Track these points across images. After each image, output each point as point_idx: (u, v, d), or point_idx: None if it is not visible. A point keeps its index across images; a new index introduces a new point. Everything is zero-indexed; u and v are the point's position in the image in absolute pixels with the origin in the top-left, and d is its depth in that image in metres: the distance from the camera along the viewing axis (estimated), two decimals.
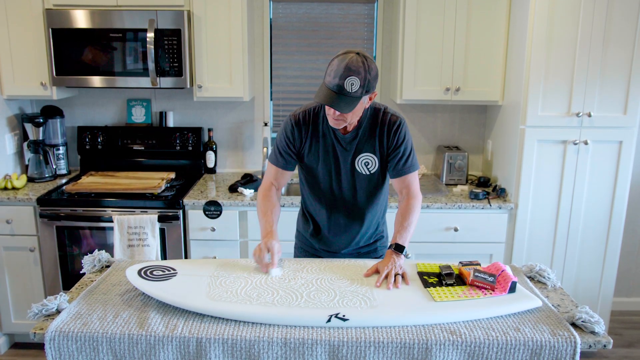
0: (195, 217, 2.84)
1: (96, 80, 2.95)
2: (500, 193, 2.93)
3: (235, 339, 1.43)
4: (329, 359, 1.43)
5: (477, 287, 1.66)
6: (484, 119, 3.38)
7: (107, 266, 1.91)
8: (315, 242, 2.07)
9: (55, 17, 2.86)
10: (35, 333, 1.47)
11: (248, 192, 2.90)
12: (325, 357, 1.43)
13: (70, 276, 2.90)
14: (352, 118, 1.77)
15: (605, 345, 1.47)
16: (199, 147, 3.32)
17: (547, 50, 2.66)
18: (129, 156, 3.33)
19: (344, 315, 1.49)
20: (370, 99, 1.77)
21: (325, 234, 2.03)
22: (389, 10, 3.26)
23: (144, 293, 1.65)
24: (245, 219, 2.85)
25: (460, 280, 1.71)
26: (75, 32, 2.87)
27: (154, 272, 1.72)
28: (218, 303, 1.54)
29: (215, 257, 2.83)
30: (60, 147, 3.26)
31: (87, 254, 1.94)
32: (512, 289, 1.63)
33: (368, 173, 1.90)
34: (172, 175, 3.20)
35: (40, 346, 2.57)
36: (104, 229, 2.85)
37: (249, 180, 3.10)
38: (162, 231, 2.83)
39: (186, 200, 2.82)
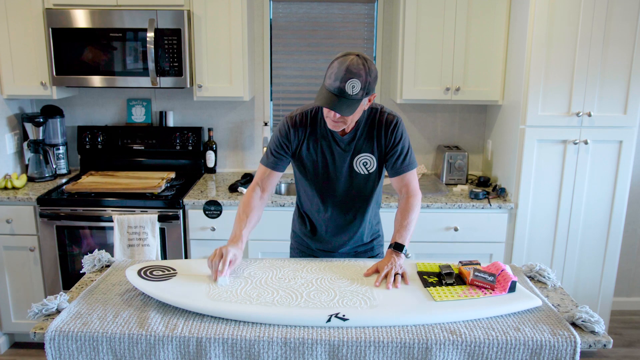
0: (196, 217, 2.84)
1: (96, 80, 2.95)
2: (500, 193, 2.93)
3: (235, 339, 1.43)
4: (329, 359, 1.43)
5: (477, 286, 1.66)
6: (484, 119, 3.38)
7: (107, 266, 1.91)
8: (311, 242, 2.07)
9: (55, 16, 2.86)
10: (35, 333, 1.47)
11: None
12: (325, 356, 1.43)
13: (70, 276, 2.90)
14: (352, 120, 1.77)
15: (605, 345, 1.47)
16: (199, 147, 3.32)
17: (547, 50, 2.66)
18: (129, 156, 3.33)
19: (343, 315, 1.49)
20: (369, 100, 1.77)
21: (322, 234, 2.03)
22: (389, 10, 3.26)
23: (143, 293, 1.65)
24: None
25: (460, 279, 1.71)
26: (75, 31, 2.87)
27: (154, 272, 1.72)
28: (218, 303, 1.54)
29: None
30: (60, 147, 3.26)
31: (87, 254, 1.95)
32: (512, 288, 1.64)
33: (366, 173, 1.91)
34: (172, 175, 3.20)
35: (40, 346, 2.57)
36: (104, 228, 2.85)
37: (249, 180, 3.10)
38: (162, 231, 2.83)
39: (186, 200, 2.82)
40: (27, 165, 3.18)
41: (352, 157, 1.88)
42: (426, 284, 1.69)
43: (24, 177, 3.04)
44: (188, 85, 2.96)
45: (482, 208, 2.82)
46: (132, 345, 1.44)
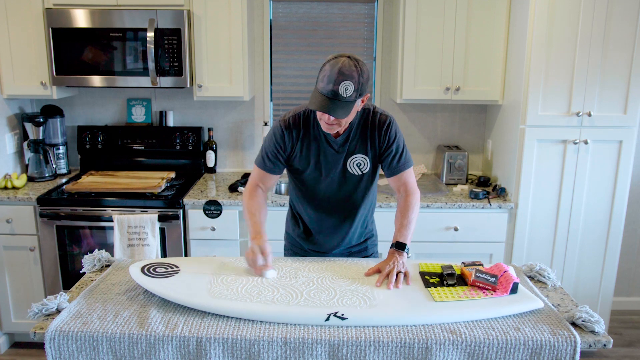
0: (196, 217, 2.84)
1: (96, 80, 2.95)
2: (500, 192, 2.93)
3: (235, 339, 1.43)
4: (329, 359, 1.43)
5: (479, 287, 1.65)
6: (484, 119, 3.38)
7: (107, 266, 1.91)
8: (305, 243, 2.07)
9: (55, 16, 2.86)
10: (35, 332, 1.47)
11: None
12: (325, 356, 1.43)
13: (70, 276, 2.90)
14: (346, 122, 1.76)
15: (605, 345, 1.47)
16: (199, 147, 3.32)
17: (547, 50, 2.66)
18: (129, 156, 3.33)
19: (342, 314, 1.49)
20: (362, 101, 1.76)
21: (315, 235, 2.03)
22: (389, 10, 3.26)
23: (144, 293, 1.65)
24: None
25: (461, 280, 1.71)
26: (75, 31, 2.87)
27: (157, 269, 1.72)
28: (219, 300, 1.55)
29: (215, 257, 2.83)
30: (60, 147, 3.26)
31: (87, 254, 1.95)
32: (514, 290, 1.63)
33: (360, 173, 1.90)
34: (172, 174, 3.20)
35: (40, 346, 2.56)
36: (104, 228, 2.85)
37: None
38: (162, 231, 2.83)
39: (186, 200, 2.82)
40: (27, 165, 3.18)
41: (345, 158, 1.88)
42: (427, 285, 1.69)
43: (24, 177, 3.04)
44: (188, 85, 2.96)
45: (482, 208, 2.82)
46: (132, 345, 1.44)
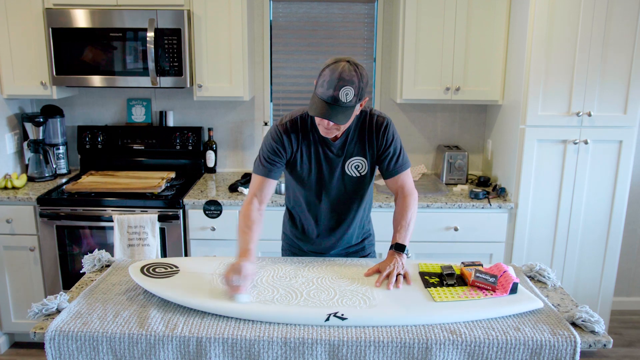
0: (196, 217, 2.84)
1: (96, 80, 2.95)
2: (500, 192, 2.93)
3: (235, 339, 1.43)
4: (329, 359, 1.43)
5: (478, 287, 1.65)
6: (484, 119, 3.38)
7: (107, 266, 1.91)
8: (302, 243, 2.07)
9: (55, 16, 2.85)
10: (35, 332, 1.47)
11: (248, 191, 2.90)
12: (325, 356, 1.43)
13: (70, 276, 2.90)
14: (344, 126, 1.75)
15: (605, 345, 1.47)
16: (199, 147, 3.32)
17: (547, 50, 2.66)
18: (129, 156, 3.33)
19: (342, 315, 1.50)
20: (361, 105, 1.76)
21: (313, 236, 2.03)
22: (389, 10, 3.26)
23: (144, 293, 1.65)
24: None
25: (461, 280, 1.71)
26: (75, 31, 2.87)
27: (157, 270, 1.72)
28: (218, 301, 1.55)
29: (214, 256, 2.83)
30: (60, 147, 3.26)
31: (87, 254, 1.95)
32: (514, 290, 1.63)
33: (358, 175, 1.90)
34: (172, 174, 3.20)
35: (40, 346, 2.56)
36: (104, 228, 2.85)
37: (249, 179, 3.09)
38: (162, 231, 2.83)
39: (186, 200, 2.82)
40: (27, 165, 3.18)
41: (344, 160, 1.88)
42: (427, 285, 1.69)
43: (24, 177, 3.04)
44: (188, 85, 2.96)
45: (482, 208, 2.82)
46: (132, 345, 1.44)
